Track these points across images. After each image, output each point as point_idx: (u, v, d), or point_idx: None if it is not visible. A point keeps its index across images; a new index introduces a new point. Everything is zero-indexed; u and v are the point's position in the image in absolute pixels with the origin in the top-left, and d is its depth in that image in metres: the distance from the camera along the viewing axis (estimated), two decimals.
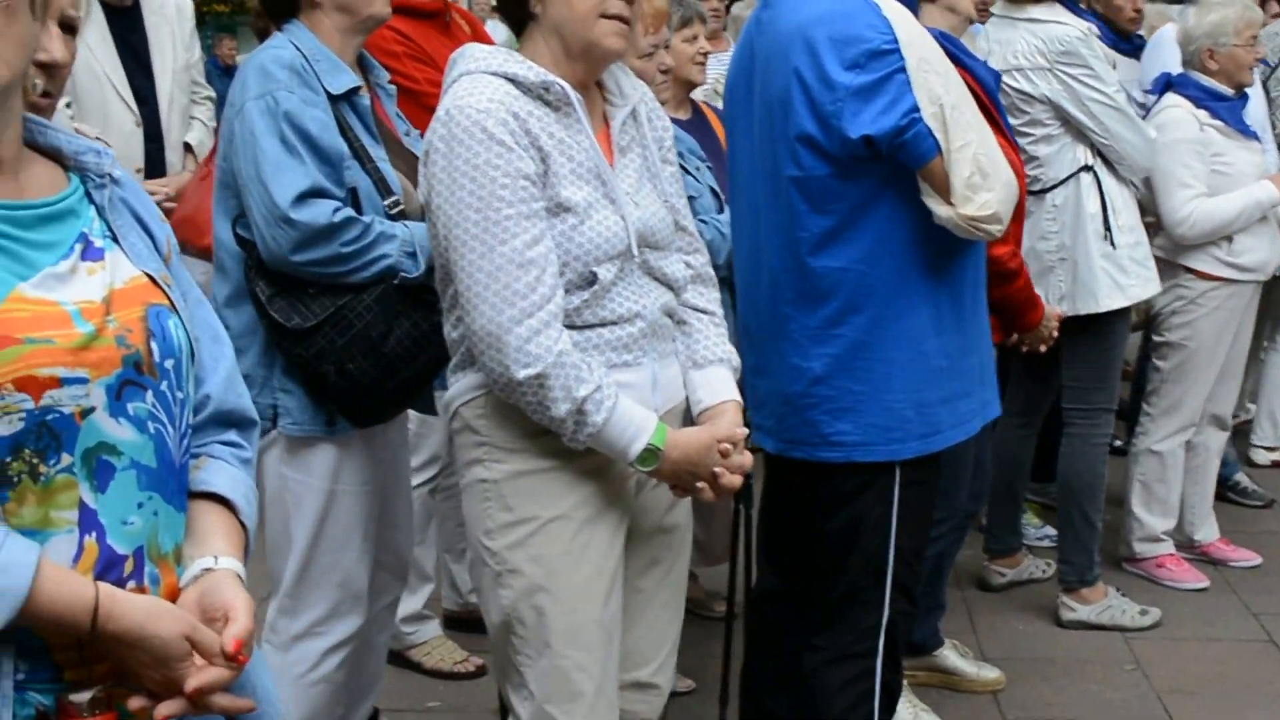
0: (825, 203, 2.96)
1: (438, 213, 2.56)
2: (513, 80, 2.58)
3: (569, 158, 2.58)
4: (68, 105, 5.13)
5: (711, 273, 2.88)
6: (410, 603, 4.17)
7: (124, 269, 1.83)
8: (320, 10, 3.17)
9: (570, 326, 2.55)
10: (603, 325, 2.60)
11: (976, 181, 2.88)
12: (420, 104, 3.56)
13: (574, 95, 2.61)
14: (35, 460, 1.67)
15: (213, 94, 5.66)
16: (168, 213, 5.01)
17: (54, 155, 1.87)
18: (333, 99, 3.10)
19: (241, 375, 3.07)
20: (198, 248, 4.29)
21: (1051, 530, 5.33)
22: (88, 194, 1.86)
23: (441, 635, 4.42)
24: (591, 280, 2.57)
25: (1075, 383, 4.72)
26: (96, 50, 5.23)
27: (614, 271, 2.59)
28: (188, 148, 5.44)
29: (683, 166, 3.78)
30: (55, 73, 2.01)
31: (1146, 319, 5.14)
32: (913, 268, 3.00)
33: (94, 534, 1.71)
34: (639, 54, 3.70)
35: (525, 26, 2.69)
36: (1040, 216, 4.53)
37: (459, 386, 2.69)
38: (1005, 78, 4.40)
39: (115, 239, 1.85)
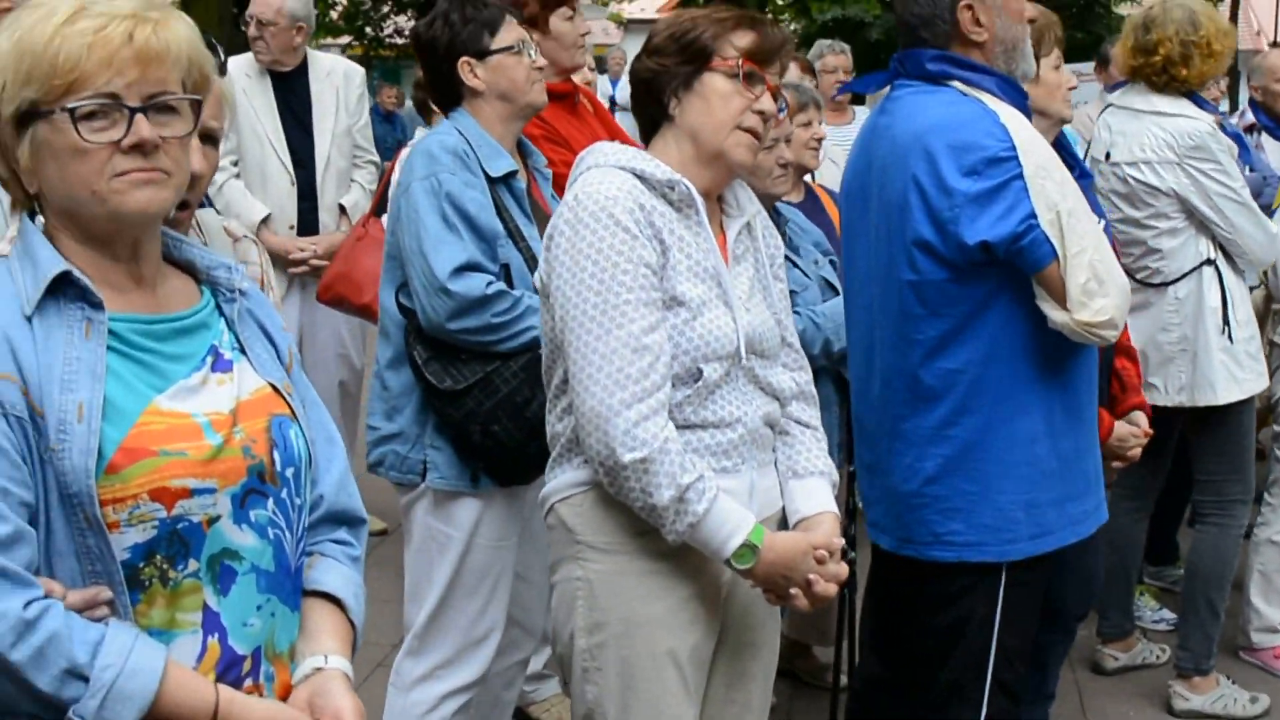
0: (941, 306, 2.96)
1: (556, 294, 2.57)
2: (640, 176, 2.61)
3: (687, 255, 2.60)
4: (234, 164, 5.33)
5: (814, 391, 2.87)
6: (531, 662, 4.22)
7: (250, 380, 1.90)
8: (482, 99, 3.37)
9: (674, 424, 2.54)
10: (704, 427, 2.59)
11: (1093, 288, 2.85)
12: (556, 184, 3.66)
13: (697, 197, 2.63)
14: (165, 565, 1.75)
15: (376, 158, 5.79)
16: (317, 270, 5.21)
17: (188, 268, 1.95)
18: (491, 181, 3.27)
19: (396, 431, 3.32)
20: (355, 305, 4.45)
21: (1169, 614, 5.21)
22: (218, 306, 1.94)
23: (560, 694, 4.44)
24: (697, 376, 2.56)
25: (1207, 476, 4.63)
26: (260, 113, 5.41)
27: (720, 372, 2.59)
28: (342, 209, 5.57)
29: (791, 260, 3.78)
30: (195, 183, 2.09)
31: (1269, 408, 5.00)
32: (1027, 370, 2.98)
33: (216, 635, 1.79)
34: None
35: (659, 126, 2.73)
36: (1162, 309, 4.46)
37: (556, 483, 2.68)
38: (1130, 170, 4.37)
39: (242, 349, 1.93)
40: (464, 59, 3.35)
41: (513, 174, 3.32)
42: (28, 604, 1.64)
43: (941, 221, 2.90)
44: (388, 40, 26.38)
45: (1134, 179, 4.35)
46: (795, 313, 3.60)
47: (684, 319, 2.56)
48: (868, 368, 3.16)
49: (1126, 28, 4.51)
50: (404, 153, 4.42)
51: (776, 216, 3.91)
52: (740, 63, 2.63)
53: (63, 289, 1.76)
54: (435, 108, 5.46)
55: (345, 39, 26.73)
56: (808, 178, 4.57)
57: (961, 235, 2.88)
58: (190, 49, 1.81)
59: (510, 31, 3.38)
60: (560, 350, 2.58)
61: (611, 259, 2.51)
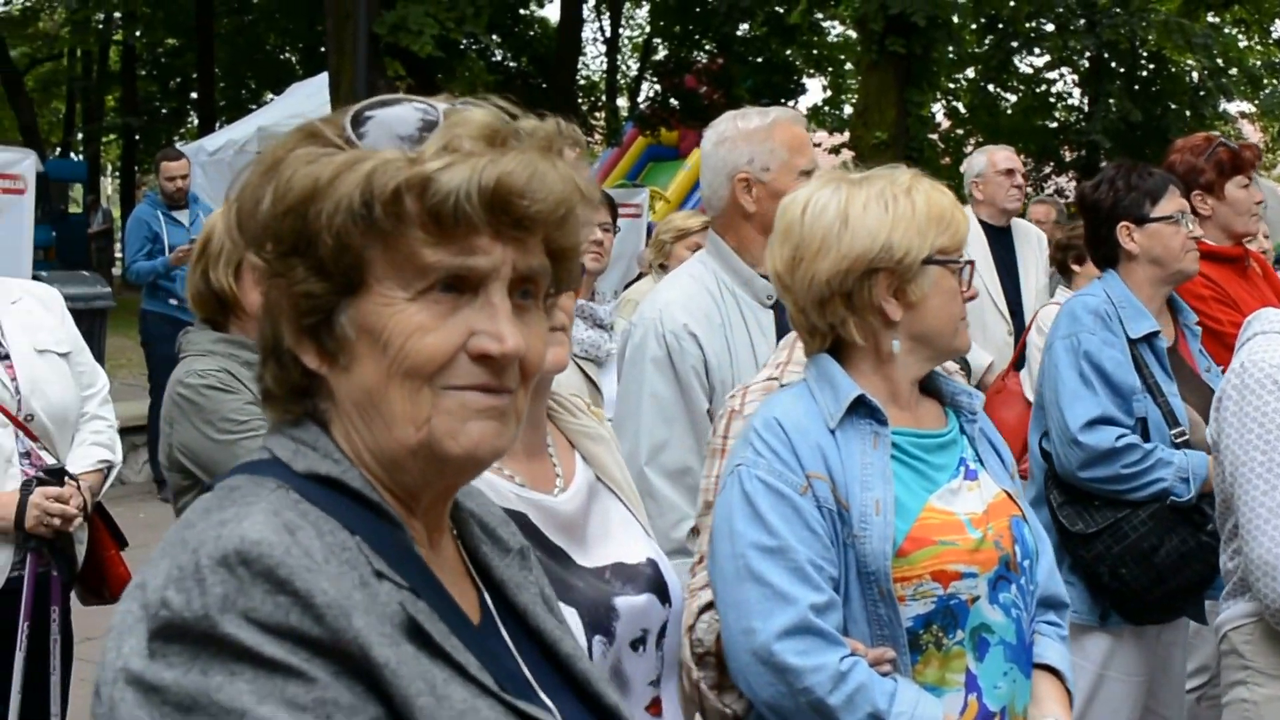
0: None
1: (1225, 452, 2.75)
2: None
3: None
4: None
5: None
6: None
7: (989, 487, 2.28)
8: (1135, 261, 3.58)
9: None
10: None
11: None
12: (1223, 344, 3.76)
13: None
14: (940, 634, 2.14)
15: None
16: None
17: (936, 395, 2.37)
18: (1132, 341, 3.48)
19: None
20: None
21: None
22: (961, 426, 2.34)
23: None
24: None
25: None
26: (980, 267, 5.75)
27: None
28: None
29: None
30: None
31: None
32: None
33: (975, 694, 2.16)
34: None
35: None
36: None
37: (1230, 613, 2.85)
38: None
39: (981, 461, 2.31)
40: (1123, 223, 3.55)
41: (1154, 334, 3.49)
42: (841, 659, 2.04)
43: None
44: None
45: None
46: None
47: None
48: None
49: None
50: (1048, 312, 4.62)
51: None
52: None
53: (857, 408, 2.17)
54: (1076, 268, 5.71)
55: None
56: None
57: None
58: None
59: (1171, 202, 3.56)
60: (1230, 501, 2.76)
61: (1276, 421, 2.65)
